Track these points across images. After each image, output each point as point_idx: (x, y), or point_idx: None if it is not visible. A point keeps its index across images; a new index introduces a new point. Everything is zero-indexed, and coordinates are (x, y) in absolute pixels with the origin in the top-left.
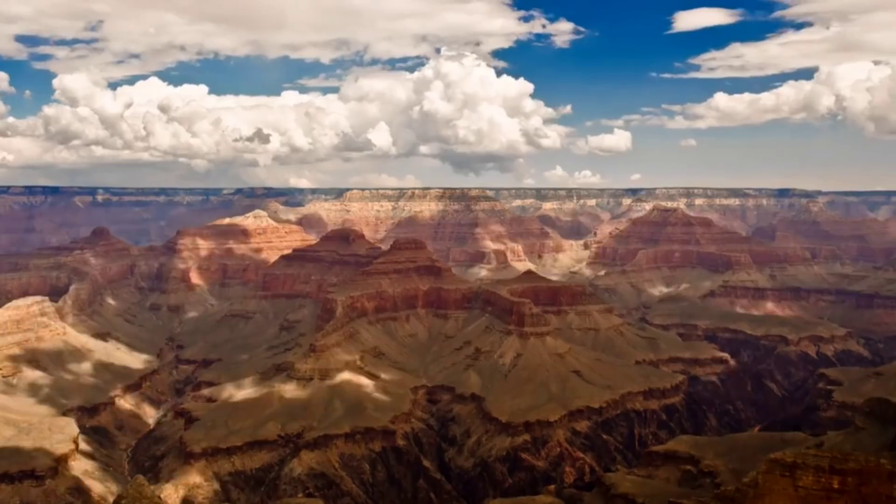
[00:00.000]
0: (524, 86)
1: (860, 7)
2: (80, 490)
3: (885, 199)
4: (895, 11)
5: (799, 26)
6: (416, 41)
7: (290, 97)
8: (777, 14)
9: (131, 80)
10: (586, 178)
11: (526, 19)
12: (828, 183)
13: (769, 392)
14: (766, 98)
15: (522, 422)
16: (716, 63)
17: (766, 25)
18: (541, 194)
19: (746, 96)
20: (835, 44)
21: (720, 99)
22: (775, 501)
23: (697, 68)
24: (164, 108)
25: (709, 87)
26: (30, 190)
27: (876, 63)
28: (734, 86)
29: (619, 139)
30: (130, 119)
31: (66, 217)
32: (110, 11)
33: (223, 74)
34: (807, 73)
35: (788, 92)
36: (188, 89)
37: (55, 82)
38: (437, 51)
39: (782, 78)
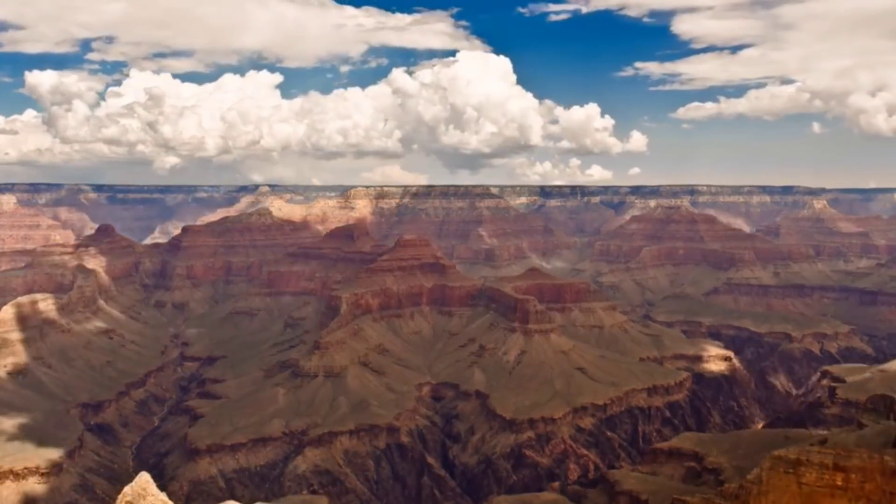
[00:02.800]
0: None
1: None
2: (84, 487)
3: (889, 196)
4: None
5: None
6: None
7: (290, 99)
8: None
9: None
10: (569, 172)
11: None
12: (831, 180)
13: (773, 389)
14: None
15: (527, 419)
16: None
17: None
18: (545, 191)
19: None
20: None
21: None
22: (779, 498)
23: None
24: (164, 105)
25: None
26: (34, 187)
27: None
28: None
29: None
30: (135, 115)
31: (70, 214)
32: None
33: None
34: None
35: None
36: (188, 86)
37: (51, 82)
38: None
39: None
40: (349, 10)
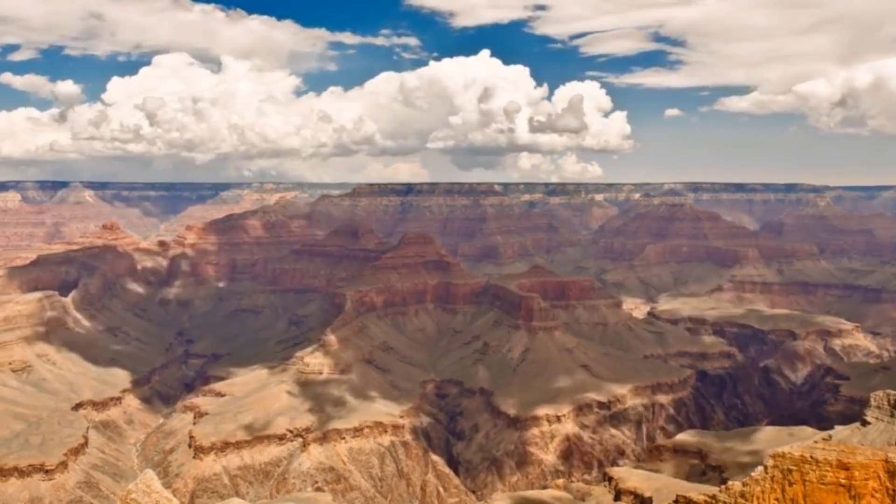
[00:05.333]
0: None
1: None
2: (89, 484)
3: (893, 194)
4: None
5: None
6: None
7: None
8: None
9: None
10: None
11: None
12: (834, 178)
13: (777, 386)
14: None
15: (531, 416)
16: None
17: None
18: (549, 189)
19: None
20: None
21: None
22: (782, 496)
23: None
24: (169, 102)
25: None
26: (39, 185)
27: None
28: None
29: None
30: (138, 113)
31: (75, 212)
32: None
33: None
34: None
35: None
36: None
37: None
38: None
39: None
40: None
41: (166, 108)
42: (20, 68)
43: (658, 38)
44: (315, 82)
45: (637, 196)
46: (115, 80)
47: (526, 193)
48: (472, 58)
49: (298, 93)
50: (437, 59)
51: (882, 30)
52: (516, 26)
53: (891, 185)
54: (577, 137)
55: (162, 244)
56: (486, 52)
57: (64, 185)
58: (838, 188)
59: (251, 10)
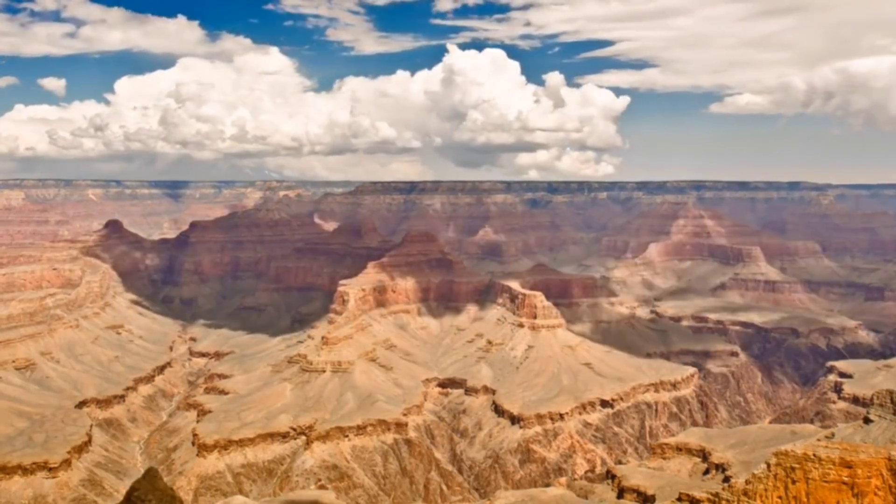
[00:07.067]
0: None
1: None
2: (92, 482)
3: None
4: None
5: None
6: None
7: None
8: None
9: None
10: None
11: None
12: (837, 176)
13: (779, 385)
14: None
15: (534, 414)
16: None
17: None
18: (552, 187)
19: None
20: None
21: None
22: (785, 494)
23: None
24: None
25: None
26: (43, 182)
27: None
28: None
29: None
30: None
31: (78, 209)
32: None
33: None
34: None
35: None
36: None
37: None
38: None
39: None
40: None
41: (169, 106)
42: (16, 69)
43: (642, 42)
44: (318, 81)
45: (640, 194)
46: (123, 79)
47: (529, 191)
48: (470, 58)
49: (301, 91)
50: (434, 61)
51: (844, 35)
52: (508, 29)
53: (893, 184)
54: (574, 136)
55: (165, 242)
56: (481, 53)
57: (68, 182)
58: (841, 186)
59: (233, 28)
